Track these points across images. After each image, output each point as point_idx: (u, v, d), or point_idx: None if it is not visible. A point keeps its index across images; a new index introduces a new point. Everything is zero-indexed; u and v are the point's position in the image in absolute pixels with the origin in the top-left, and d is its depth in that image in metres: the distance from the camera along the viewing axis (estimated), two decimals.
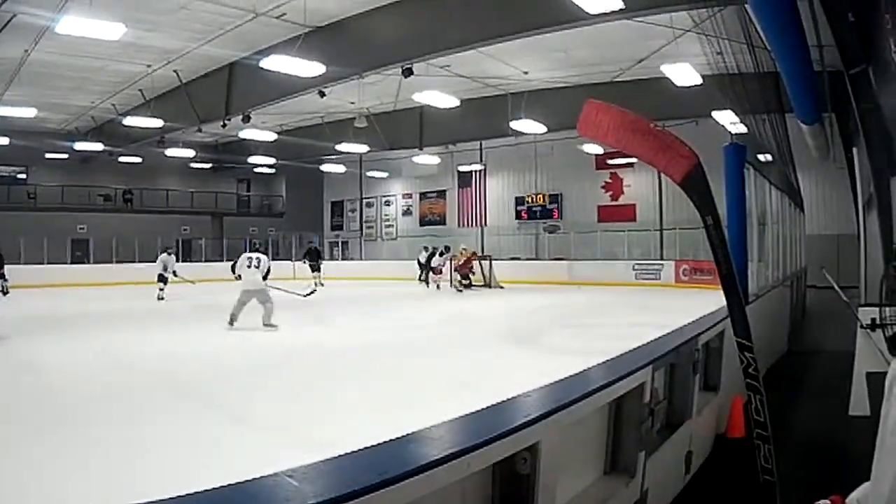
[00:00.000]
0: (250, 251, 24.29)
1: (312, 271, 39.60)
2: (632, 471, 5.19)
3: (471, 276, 37.87)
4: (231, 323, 19.68)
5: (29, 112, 33.73)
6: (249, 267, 20.08)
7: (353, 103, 36.36)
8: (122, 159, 49.78)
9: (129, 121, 35.08)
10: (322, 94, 28.97)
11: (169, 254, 32.72)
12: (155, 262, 32.79)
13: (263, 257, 20.63)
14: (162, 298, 30.71)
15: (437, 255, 38.17)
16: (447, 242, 42.21)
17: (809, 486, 6.92)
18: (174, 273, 31.78)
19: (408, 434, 3.22)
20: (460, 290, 36.00)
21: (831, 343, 15.94)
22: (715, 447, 8.39)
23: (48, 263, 41.83)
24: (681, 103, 29.06)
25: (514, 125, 34.44)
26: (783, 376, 13.05)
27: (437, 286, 36.35)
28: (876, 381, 8.38)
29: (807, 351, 16.37)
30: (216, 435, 8.75)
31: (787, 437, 8.50)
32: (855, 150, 16.09)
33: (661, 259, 40.75)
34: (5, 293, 28.18)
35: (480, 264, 39.64)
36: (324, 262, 40.20)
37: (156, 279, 31.45)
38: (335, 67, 24.59)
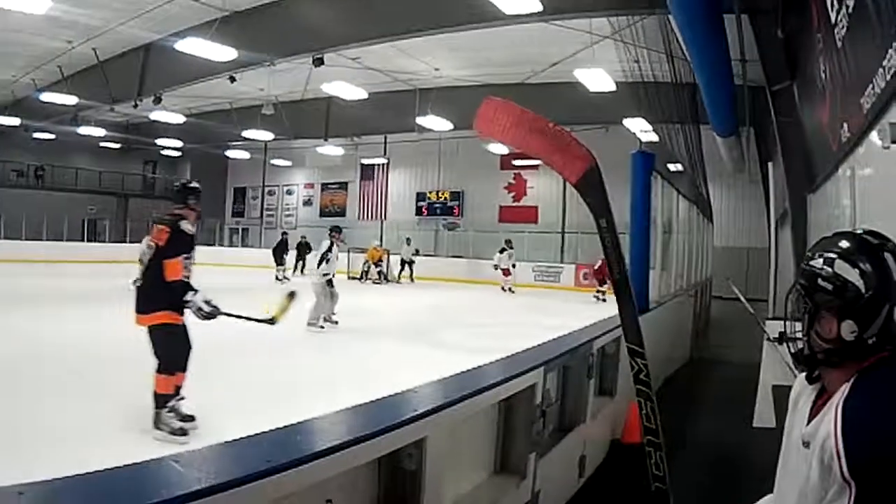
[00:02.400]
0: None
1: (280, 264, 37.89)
2: (522, 472, 5.21)
3: (382, 270, 37.95)
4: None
5: None
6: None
7: (262, 90, 36.20)
8: (35, 135, 49.01)
9: (46, 97, 34.47)
10: (232, 80, 28.74)
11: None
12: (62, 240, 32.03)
13: (324, 243, 18.87)
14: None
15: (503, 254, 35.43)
16: (347, 235, 42.04)
17: (710, 496, 7.30)
18: None
19: (294, 423, 3.22)
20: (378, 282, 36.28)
21: (736, 354, 16.12)
22: (610, 452, 8.42)
23: None
24: (592, 109, 29.29)
25: (421, 121, 34.83)
26: (685, 385, 13.14)
27: (511, 289, 33.87)
28: (781, 394, 8.27)
29: (710, 360, 16.43)
30: (99, 420, 8.51)
31: (688, 445, 8.57)
32: (771, 164, 16.14)
33: (562, 262, 40.81)
34: None
35: (382, 259, 39.36)
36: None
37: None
38: (247, 53, 24.45)
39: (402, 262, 38.25)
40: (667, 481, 6.22)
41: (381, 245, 39.66)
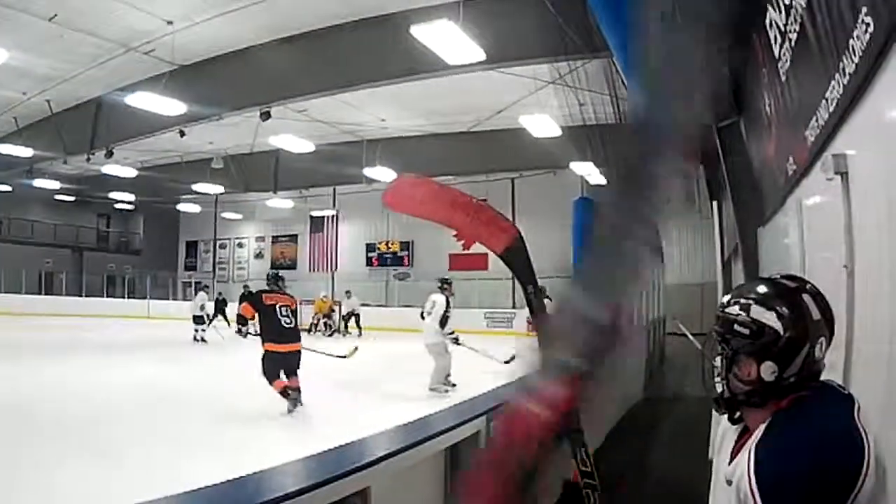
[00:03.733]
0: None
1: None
2: None
3: (330, 323, 38.25)
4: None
5: None
6: (423, 316, 17.39)
7: (211, 143, 36.68)
8: None
9: (1, 148, 34.01)
10: (182, 134, 28.59)
11: (206, 292, 31.84)
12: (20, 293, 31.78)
13: (439, 298, 17.32)
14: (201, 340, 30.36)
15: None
16: (298, 287, 41.96)
17: None
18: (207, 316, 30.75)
19: (242, 476, 3.33)
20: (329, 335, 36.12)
21: (692, 389, 16.10)
22: (564, 493, 7.88)
23: None
24: (539, 154, 29.43)
25: (368, 172, 34.63)
26: (639, 423, 13.25)
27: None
28: None
29: (666, 398, 16.59)
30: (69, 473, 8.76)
31: (646, 481, 8.69)
32: (717, 202, 16.28)
33: (514, 308, 40.85)
34: None
35: (332, 311, 39.76)
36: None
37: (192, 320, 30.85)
38: (196, 107, 24.49)
39: (348, 315, 38.03)
40: None
41: (329, 297, 39.89)
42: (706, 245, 29.76)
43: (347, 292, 39.43)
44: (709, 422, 9.82)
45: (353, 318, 37.68)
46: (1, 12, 20.84)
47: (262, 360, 13.99)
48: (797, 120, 5.63)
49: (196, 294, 32.86)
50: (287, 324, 14.06)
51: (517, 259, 6.39)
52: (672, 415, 14.62)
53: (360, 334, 36.22)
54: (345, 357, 17.66)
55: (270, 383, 13.85)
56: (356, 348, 18.34)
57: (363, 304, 40.22)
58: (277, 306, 14.07)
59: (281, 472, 3.54)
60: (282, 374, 13.91)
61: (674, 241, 32.48)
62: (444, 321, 16.98)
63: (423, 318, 17.56)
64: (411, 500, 4.72)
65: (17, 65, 24.59)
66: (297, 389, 13.95)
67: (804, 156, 5.53)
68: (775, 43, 5.94)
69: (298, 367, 14.28)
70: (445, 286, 17.68)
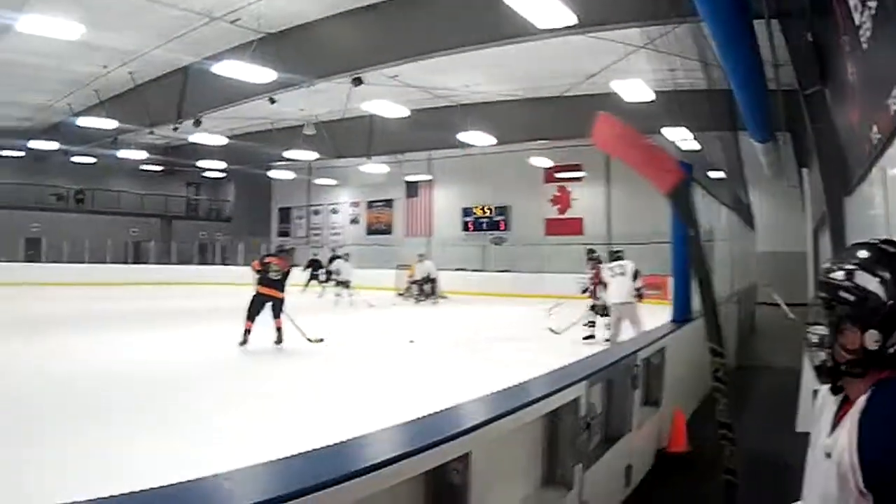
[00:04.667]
0: (611, 259, 18.88)
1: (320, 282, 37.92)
2: (569, 483, 5.22)
3: (425, 288, 37.30)
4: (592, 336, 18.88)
5: None
6: (614, 276, 18.10)
7: (302, 110, 36.49)
8: (75, 159, 49.36)
9: (83, 121, 34.66)
10: (272, 101, 28.77)
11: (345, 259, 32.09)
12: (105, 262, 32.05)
13: (629, 264, 18.13)
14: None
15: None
16: (394, 252, 41.99)
17: (754, 499, 7.17)
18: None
19: (342, 441, 3.27)
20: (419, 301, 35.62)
21: (780, 359, 15.92)
22: (656, 461, 8.39)
23: (1, 262, 41.39)
24: (631, 120, 28.78)
25: (463, 136, 34.33)
26: (730, 391, 12.98)
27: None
28: None
29: (755, 366, 16.26)
30: (153, 440, 8.68)
31: (736, 450, 8.42)
32: (806, 170, 16.05)
33: None
34: None
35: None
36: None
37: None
38: (286, 74, 24.47)
39: (423, 279, 36.22)
40: (737, 475, 6.47)
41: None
42: (793, 212, 29.27)
43: (420, 256, 38.05)
44: (796, 393, 9.99)
45: (429, 284, 36.33)
46: None
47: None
48: (880, 88, 5.59)
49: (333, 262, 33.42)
50: (274, 277, 18.53)
51: (681, 200, 6.42)
52: (761, 384, 14.45)
53: (434, 300, 35.26)
54: (310, 340, 18.32)
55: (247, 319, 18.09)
56: (321, 339, 18.54)
57: (459, 269, 40.00)
58: (271, 265, 18.70)
59: (380, 437, 3.53)
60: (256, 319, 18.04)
61: (762, 208, 31.87)
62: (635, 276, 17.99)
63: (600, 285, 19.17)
64: (511, 467, 4.69)
65: (96, 40, 24.80)
66: (278, 329, 18.24)
67: (888, 125, 5.44)
68: (855, 10, 5.87)
69: (276, 312, 18.36)
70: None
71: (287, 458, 2.87)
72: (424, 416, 3.89)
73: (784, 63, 15.22)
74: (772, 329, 22.38)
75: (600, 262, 19.72)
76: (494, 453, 4.03)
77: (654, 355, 8.08)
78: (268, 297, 18.32)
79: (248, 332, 17.80)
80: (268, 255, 19.61)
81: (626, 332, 16.66)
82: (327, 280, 35.07)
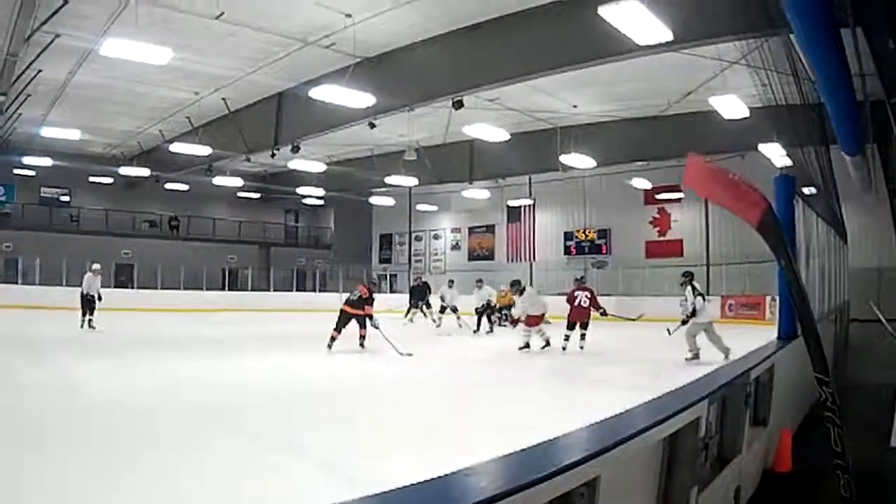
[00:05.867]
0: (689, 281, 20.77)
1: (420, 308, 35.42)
2: None
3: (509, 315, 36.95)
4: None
5: (73, 134, 33.93)
6: (698, 297, 19.64)
7: (402, 136, 36.55)
8: (168, 186, 50.20)
9: (176, 147, 34.98)
10: (372, 126, 28.76)
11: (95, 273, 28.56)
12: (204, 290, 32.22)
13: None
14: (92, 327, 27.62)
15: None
16: (496, 277, 42.09)
17: None
18: (98, 297, 27.90)
19: (461, 469, 3.00)
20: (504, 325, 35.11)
21: (873, 377, 15.94)
22: (762, 482, 8.24)
23: None
24: (728, 137, 28.99)
25: (564, 159, 34.11)
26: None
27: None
28: None
29: (849, 385, 16.11)
30: (259, 466, 8.66)
31: (831, 467, 8.46)
32: (893, 181, 15.97)
33: (708, 294, 40.31)
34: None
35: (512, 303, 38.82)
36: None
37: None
38: (385, 99, 24.68)
39: (443, 308, 32.97)
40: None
41: (507, 290, 38.50)
42: (883, 226, 28.95)
43: (450, 282, 34.38)
44: (891, 408, 9.93)
45: (489, 311, 32.09)
46: (164, 14, 21.79)
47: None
48: None
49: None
50: (353, 298, 22.30)
51: (770, 231, 6.55)
52: (856, 401, 14.29)
53: (459, 325, 31.86)
54: (401, 354, 20.61)
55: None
56: (410, 354, 20.76)
57: (560, 294, 40.09)
58: (355, 290, 22.81)
59: (504, 463, 3.21)
60: (343, 331, 21.97)
61: (853, 224, 31.26)
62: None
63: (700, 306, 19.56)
64: (634, 492, 4.55)
65: (185, 65, 25.78)
66: (361, 336, 22.02)
67: None
68: None
69: (361, 324, 22.06)
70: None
71: (402, 488, 2.70)
72: (545, 442, 3.66)
73: (869, 73, 15.24)
74: (864, 346, 22.38)
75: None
76: (619, 477, 3.87)
77: (762, 374, 7.84)
78: (350, 314, 22.11)
79: (333, 339, 21.83)
80: (361, 287, 23.19)
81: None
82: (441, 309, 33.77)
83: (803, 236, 11.84)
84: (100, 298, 27.43)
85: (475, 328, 30.34)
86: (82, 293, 27.38)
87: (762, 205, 6.52)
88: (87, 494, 7.24)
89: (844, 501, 6.35)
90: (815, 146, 17.76)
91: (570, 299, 23.19)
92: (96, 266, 28.14)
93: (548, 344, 22.05)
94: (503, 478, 2.93)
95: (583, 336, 22.69)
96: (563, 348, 22.29)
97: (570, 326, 22.84)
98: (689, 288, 19.79)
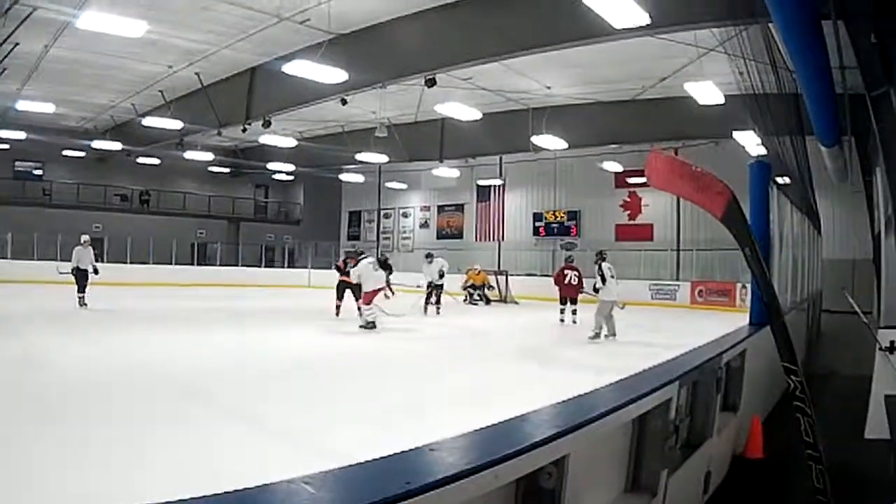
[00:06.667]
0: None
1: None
2: (653, 489, 5.13)
3: (487, 292, 37.85)
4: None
5: (47, 108, 33.92)
6: (611, 277, 21.07)
7: (374, 113, 36.76)
8: (139, 160, 50.57)
9: (148, 121, 35.17)
10: (344, 102, 28.65)
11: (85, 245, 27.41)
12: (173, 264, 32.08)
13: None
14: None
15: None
16: (464, 256, 42.19)
17: None
18: (94, 270, 27.04)
19: (431, 443, 3.03)
20: (475, 303, 36.12)
21: (845, 367, 16.11)
22: (732, 467, 8.38)
23: (61, 260, 41.92)
24: (702, 123, 29.17)
25: (535, 140, 34.13)
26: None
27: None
28: (894, 405, 8.43)
29: (820, 374, 16.13)
30: (226, 440, 8.74)
31: (802, 457, 8.51)
32: (878, 170, 16.06)
33: (678, 280, 40.98)
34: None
35: (496, 279, 39.66)
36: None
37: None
38: (357, 75, 24.64)
39: (429, 286, 31.54)
40: (828, 495, 6.49)
41: (479, 269, 38.82)
42: (857, 218, 29.14)
43: (428, 256, 32.38)
44: (865, 399, 9.88)
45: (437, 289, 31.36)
46: None
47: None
48: None
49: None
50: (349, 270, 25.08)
51: (735, 221, 6.60)
52: (828, 392, 14.22)
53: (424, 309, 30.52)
54: (388, 315, 23.94)
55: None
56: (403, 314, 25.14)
57: (529, 274, 40.55)
58: (349, 263, 25.76)
59: (474, 439, 3.26)
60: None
61: (828, 215, 31.56)
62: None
63: (603, 282, 20.94)
64: (602, 473, 4.66)
65: (159, 38, 25.70)
66: (359, 308, 23.08)
67: None
68: None
69: (356, 294, 23.99)
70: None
71: (373, 461, 2.72)
72: (515, 418, 3.73)
73: (850, 66, 15.34)
74: (836, 336, 22.72)
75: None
76: (588, 457, 3.95)
77: (734, 359, 7.95)
78: (346, 283, 25.39)
79: (338, 307, 25.78)
80: (347, 258, 26.98)
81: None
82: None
83: (777, 224, 11.81)
84: (95, 272, 26.76)
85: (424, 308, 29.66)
86: (73, 267, 26.58)
87: (726, 195, 6.58)
88: (56, 467, 7.33)
89: (817, 492, 6.42)
90: (791, 136, 17.85)
91: (560, 278, 25.73)
92: (85, 237, 27.40)
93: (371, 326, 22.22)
94: (471, 453, 2.98)
95: (574, 311, 25.50)
96: (561, 320, 25.59)
97: (563, 301, 25.80)
98: (597, 267, 20.99)
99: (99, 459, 7.70)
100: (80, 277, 26.41)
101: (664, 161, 7.11)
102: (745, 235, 6.79)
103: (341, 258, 29.55)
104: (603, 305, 20.93)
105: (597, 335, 20.76)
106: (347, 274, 25.25)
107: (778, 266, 11.99)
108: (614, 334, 21.03)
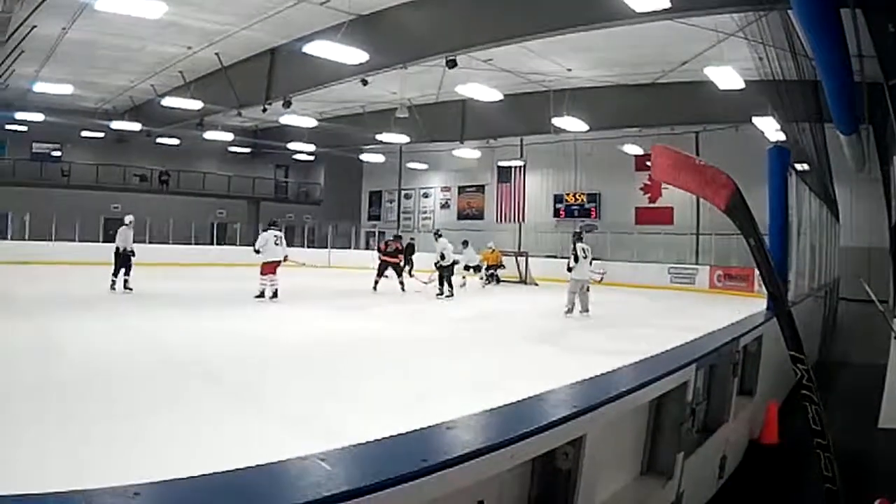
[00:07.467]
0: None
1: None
2: (669, 472, 5.12)
3: (498, 272, 37.94)
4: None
5: (65, 89, 34.18)
6: (584, 258, 22.26)
7: (394, 93, 36.63)
8: (158, 140, 50.46)
9: (168, 102, 35.07)
10: (364, 83, 28.96)
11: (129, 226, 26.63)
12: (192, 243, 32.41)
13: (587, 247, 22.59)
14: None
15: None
16: (485, 237, 42.14)
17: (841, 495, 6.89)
18: (132, 252, 25.92)
19: (447, 421, 2.98)
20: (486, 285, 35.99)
21: (860, 355, 16.13)
22: (748, 453, 8.33)
23: (80, 241, 42.07)
24: (722, 108, 29.02)
25: (556, 122, 34.30)
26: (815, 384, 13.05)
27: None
28: None
29: (836, 362, 16.18)
30: (239, 423, 8.83)
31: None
32: (886, 162, 16.04)
33: (697, 264, 40.72)
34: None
35: (517, 261, 39.84)
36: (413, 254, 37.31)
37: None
38: (378, 56, 24.61)
39: (466, 268, 34.07)
40: (837, 482, 6.33)
41: (494, 247, 38.76)
42: (873, 207, 29.03)
43: (436, 233, 31.56)
44: (879, 388, 9.97)
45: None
46: None
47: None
48: None
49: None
50: (390, 250, 30.12)
51: (738, 212, 6.64)
52: (843, 380, 14.30)
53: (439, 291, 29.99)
54: (424, 283, 29.42)
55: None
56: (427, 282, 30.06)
57: (549, 256, 40.58)
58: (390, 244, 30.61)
59: (491, 417, 3.22)
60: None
61: (845, 203, 30.78)
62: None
63: (575, 262, 22.17)
64: (617, 455, 4.58)
65: (179, 20, 25.79)
66: (401, 282, 29.04)
67: None
68: None
69: (398, 272, 29.62)
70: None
71: (389, 438, 2.69)
72: (532, 397, 3.69)
73: (868, 54, 15.34)
74: (852, 324, 22.59)
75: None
76: (604, 438, 3.87)
77: (751, 343, 7.87)
78: (388, 262, 29.77)
79: (376, 283, 29.74)
80: (388, 240, 31.64)
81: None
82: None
83: (796, 211, 11.67)
84: (133, 254, 25.69)
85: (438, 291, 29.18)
86: (117, 249, 25.44)
87: (730, 187, 6.61)
88: (68, 447, 7.43)
89: (826, 480, 6.35)
90: (810, 123, 17.85)
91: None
92: (129, 217, 26.77)
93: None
94: (488, 432, 2.98)
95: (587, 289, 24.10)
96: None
97: None
98: (572, 246, 22.10)
99: (108, 440, 7.78)
100: (124, 259, 25.43)
101: (668, 155, 7.14)
102: (750, 227, 6.81)
103: (385, 240, 34.18)
104: (573, 284, 22.24)
105: (569, 310, 22.28)
106: (389, 254, 29.81)
107: (796, 253, 11.91)
108: (587, 310, 22.34)
